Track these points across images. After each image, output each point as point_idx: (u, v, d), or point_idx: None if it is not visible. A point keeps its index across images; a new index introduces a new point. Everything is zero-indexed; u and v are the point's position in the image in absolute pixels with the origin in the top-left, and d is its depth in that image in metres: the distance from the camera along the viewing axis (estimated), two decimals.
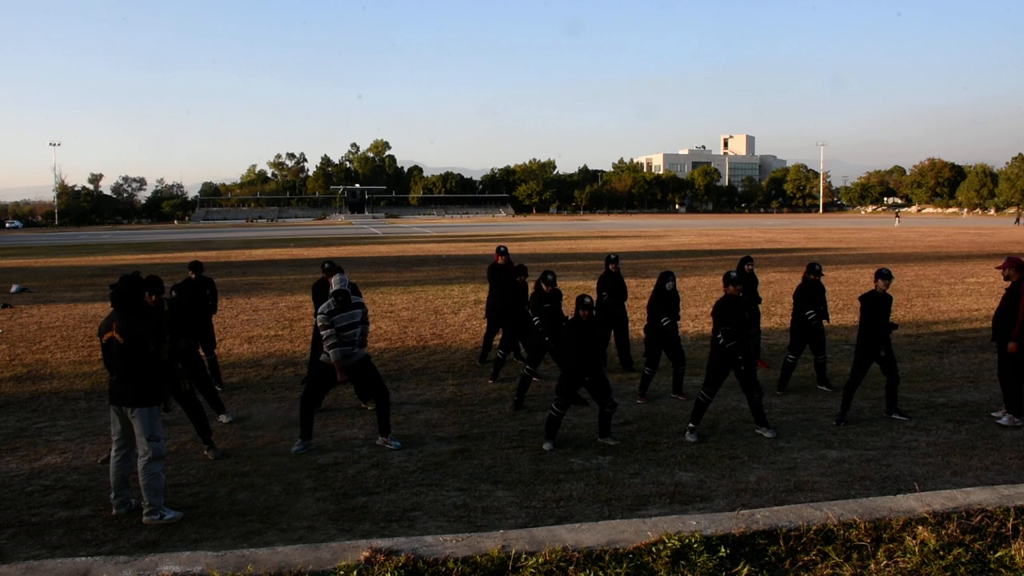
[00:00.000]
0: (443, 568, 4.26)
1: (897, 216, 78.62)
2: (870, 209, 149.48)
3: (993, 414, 8.29)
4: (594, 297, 8.59)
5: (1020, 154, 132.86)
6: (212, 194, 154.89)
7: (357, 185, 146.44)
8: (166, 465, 6.97)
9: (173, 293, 7.34)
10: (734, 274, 7.71)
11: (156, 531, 5.59)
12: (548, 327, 8.92)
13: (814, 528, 4.73)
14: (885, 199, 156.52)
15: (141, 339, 5.76)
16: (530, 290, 9.70)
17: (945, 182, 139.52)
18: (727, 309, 7.55)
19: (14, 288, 21.81)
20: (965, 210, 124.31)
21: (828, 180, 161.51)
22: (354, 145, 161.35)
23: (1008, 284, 8.28)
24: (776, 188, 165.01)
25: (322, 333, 7.29)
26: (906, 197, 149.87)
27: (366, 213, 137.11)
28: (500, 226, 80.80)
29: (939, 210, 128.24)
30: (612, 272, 10.48)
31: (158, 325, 7.05)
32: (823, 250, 35.19)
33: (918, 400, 8.91)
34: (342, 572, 4.19)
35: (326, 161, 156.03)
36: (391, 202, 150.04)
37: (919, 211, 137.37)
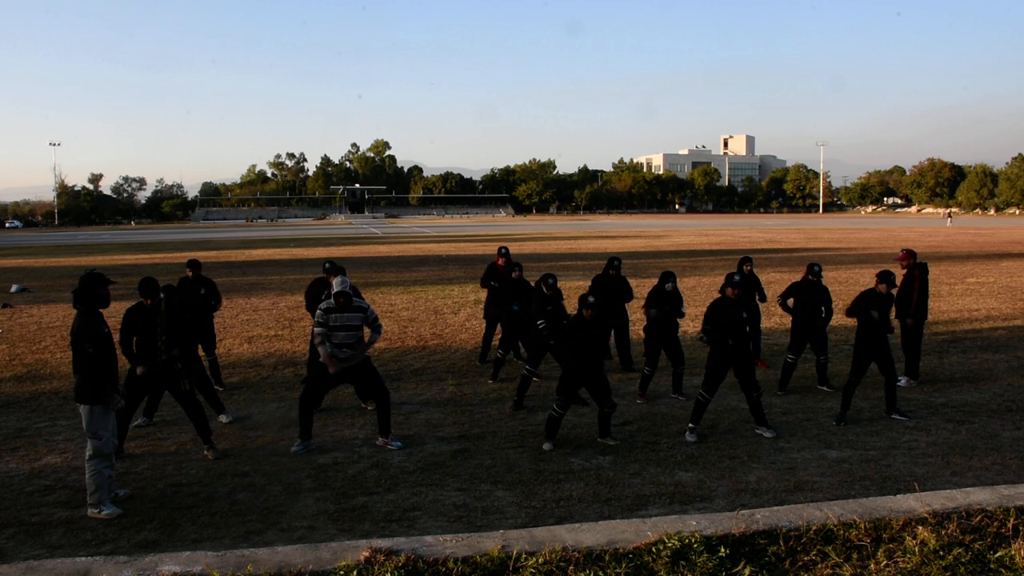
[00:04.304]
0: (443, 568, 4.26)
1: (949, 216, 77.97)
2: (870, 209, 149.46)
3: (899, 383, 9.11)
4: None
5: (1020, 154, 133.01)
6: (212, 194, 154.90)
7: (357, 185, 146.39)
8: (167, 465, 7.00)
9: (161, 295, 7.33)
10: (737, 277, 7.70)
11: (156, 531, 5.59)
12: (552, 329, 8.93)
13: (814, 528, 4.73)
14: (885, 199, 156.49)
15: (80, 337, 5.92)
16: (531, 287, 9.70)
17: (945, 182, 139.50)
18: (718, 310, 7.58)
19: (14, 288, 21.81)
20: (942, 211, 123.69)
21: (828, 180, 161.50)
22: (354, 145, 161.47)
23: (905, 271, 9.93)
24: (776, 188, 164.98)
25: (315, 329, 7.32)
26: (906, 197, 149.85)
27: (366, 213, 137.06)
28: (500, 226, 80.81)
29: (938, 211, 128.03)
30: (612, 276, 10.44)
31: (154, 326, 7.11)
32: (823, 250, 35.20)
33: (918, 400, 8.91)
34: (342, 572, 4.19)
35: (326, 161, 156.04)
36: (391, 202, 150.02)
37: (919, 211, 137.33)
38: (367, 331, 7.53)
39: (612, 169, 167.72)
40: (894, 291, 8.43)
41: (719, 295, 7.79)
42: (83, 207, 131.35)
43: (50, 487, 6.49)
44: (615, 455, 7.11)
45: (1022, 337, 12.84)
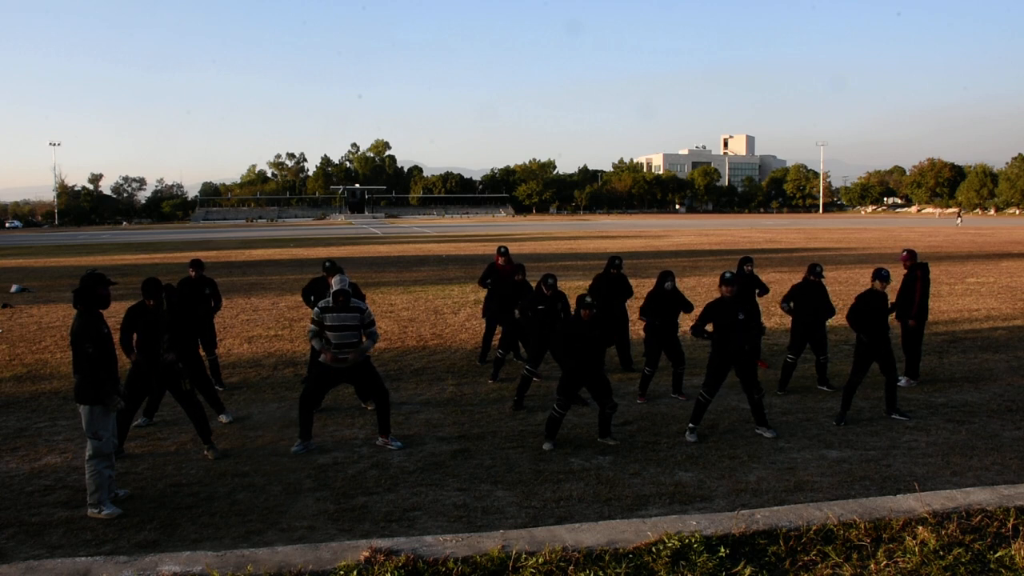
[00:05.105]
0: (443, 568, 4.26)
1: (959, 216, 79.41)
2: (870, 209, 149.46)
3: (899, 383, 8.98)
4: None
5: (1020, 154, 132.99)
6: (212, 194, 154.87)
7: (357, 185, 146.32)
8: (167, 465, 7.01)
9: (164, 293, 7.41)
10: (728, 274, 7.71)
11: (156, 531, 5.59)
12: (535, 324, 8.91)
13: (814, 528, 4.73)
14: (885, 199, 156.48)
15: (80, 338, 5.91)
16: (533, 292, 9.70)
17: (945, 182, 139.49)
18: (714, 309, 7.59)
19: (14, 288, 21.81)
20: (938, 212, 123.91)
21: (828, 180, 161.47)
22: (354, 145, 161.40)
23: (906, 271, 9.87)
24: (776, 188, 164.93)
25: (311, 324, 7.37)
26: (906, 197, 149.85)
27: (366, 213, 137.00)
28: (500, 226, 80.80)
29: (940, 210, 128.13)
30: (613, 275, 10.45)
31: (156, 326, 7.12)
32: (823, 250, 35.20)
33: (918, 400, 8.91)
34: (342, 572, 4.19)
35: (326, 161, 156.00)
36: (391, 202, 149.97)
37: (919, 211, 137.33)
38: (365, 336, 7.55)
39: (612, 169, 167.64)
40: (887, 288, 8.39)
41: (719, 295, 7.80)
42: (83, 207, 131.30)
43: (50, 487, 6.49)
44: (615, 455, 7.11)
45: (1022, 337, 12.84)
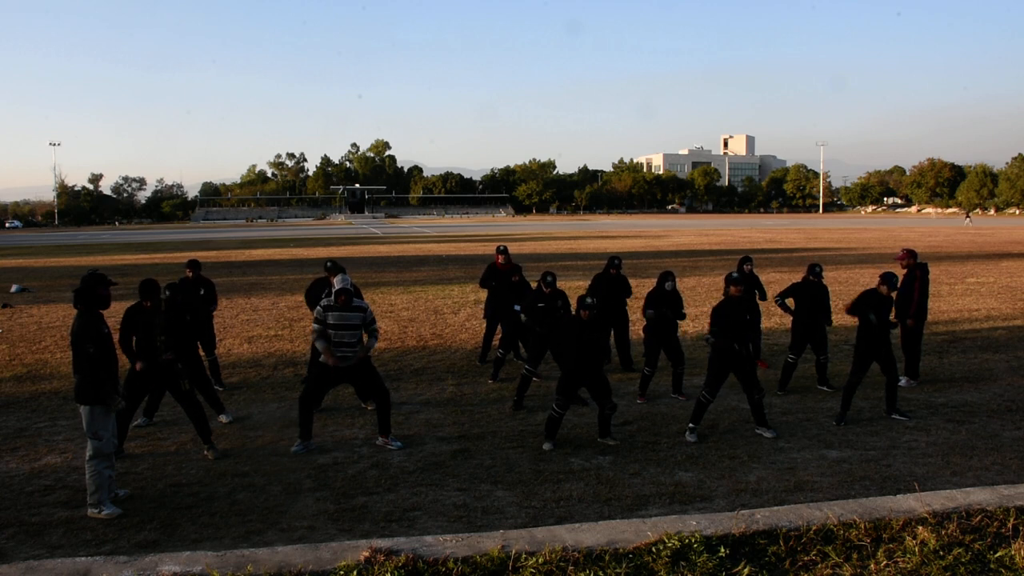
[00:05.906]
0: (443, 568, 4.26)
1: (968, 216, 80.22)
2: (870, 209, 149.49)
3: (899, 383, 8.86)
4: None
5: (1020, 154, 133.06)
6: (212, 194, 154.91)
7: (357, 185, 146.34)
8: (167, 465, 7.01)
9: (166, 292, 7.45)
10: (735, 275, 7.73)
11: (156, 531, 5.59)
12: (538, 324, 8.91)
13: (814, 528, 4.73)
14: (885, 199, 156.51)
15: (80, 338, 5.90)
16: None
17: (945, 182, 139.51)
18: (723, 311, 7.58)
19: (14, 288, 21.80)
20: (935, 212, 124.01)
21: (828, 180, 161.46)
22: (354, 145, 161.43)
23: (905, 271, 9.81)
24: (776, 188, 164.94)
25: (313, 324, 7.37)
26: (906, 197, 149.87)
27: (366, 213, 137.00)
28: (500, 226, 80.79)
29: (938, 210, 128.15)
30: (613, 275, 10.45)
31: (152, 327, 7.15)
32: (823, 250, 35.20)
33: (918, 400, 8.91)
34: (342, 572, 4.19)
35: (326, 161, 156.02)
36: (391, 202, 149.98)
37: (919, 211, 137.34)
38: (366, 335, 7.56)
39: (612, 169, 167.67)
40: (894, 294, 8.42)
41: (723, 297, 7.79)
42: (83, 207, 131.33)
43: (50, 487, 6.49)
44: (615, 455, 7.11)
45: (1022, 337, 12.84)
